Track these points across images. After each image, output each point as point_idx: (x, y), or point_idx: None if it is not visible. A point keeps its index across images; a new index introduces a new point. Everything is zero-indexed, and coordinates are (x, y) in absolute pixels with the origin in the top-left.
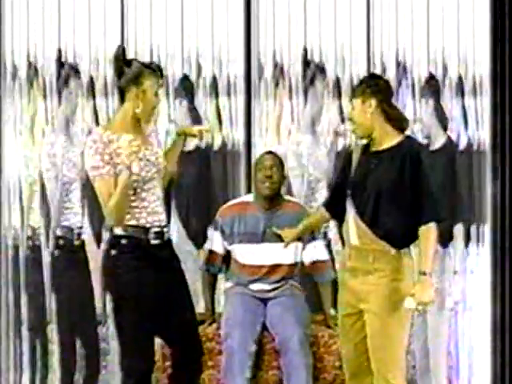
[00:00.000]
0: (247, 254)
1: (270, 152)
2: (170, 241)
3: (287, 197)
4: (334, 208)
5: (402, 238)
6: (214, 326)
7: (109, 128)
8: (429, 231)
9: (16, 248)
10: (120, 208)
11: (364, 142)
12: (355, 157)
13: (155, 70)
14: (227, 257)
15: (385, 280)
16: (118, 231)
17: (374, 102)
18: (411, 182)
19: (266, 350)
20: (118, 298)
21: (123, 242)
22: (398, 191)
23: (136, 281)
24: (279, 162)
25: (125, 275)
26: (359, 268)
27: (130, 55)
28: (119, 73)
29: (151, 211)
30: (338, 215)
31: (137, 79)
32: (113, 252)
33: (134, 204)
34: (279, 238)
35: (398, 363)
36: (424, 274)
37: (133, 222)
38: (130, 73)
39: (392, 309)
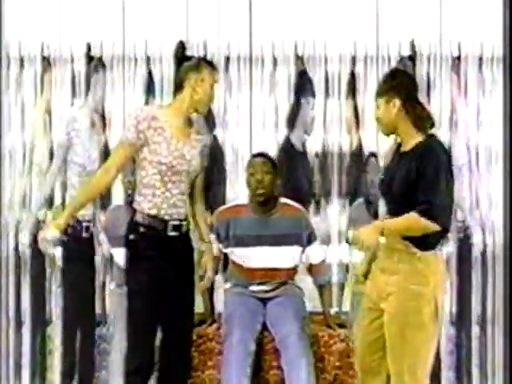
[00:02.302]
0: (244, 256)
1: (260, 154)
2: (187, 233)
3: (284, 199)
4: None
5: (424, 239)
6: (214, 326)
7: (160, 109)
8: (416, 216)
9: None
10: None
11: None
12: (388, 158)
13: (211, 64)
14: (224, 258)
15: (407, 283)
16: (139, 218)
17: (398, 101)
18: (418, 181)
19: (266, 350)
20: (130, 283)
21: (142, 229)
22: (412, 193)
23: (149, 268)
24: (271, 164)
25: (139, 261)
26: (386, 267)
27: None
28: (179, 66)
29: (172, 204)
30: None
31: (196, 67)
32: (131, 236)
33: (157, 192)
34: (276, 242)
35: (420, 369)
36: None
37: (153, 212)
38: (190, 63)
39: (413, 313)
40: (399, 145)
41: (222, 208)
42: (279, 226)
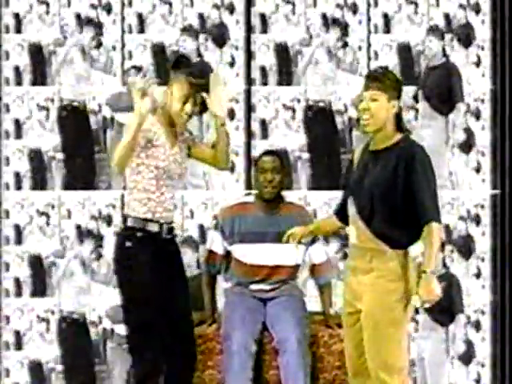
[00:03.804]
0: (248, 253)
1: (270, 152)
2: (175, 236)
3: (289, 198)
4: (345, 214)
5: (398, 238)
6: (214, 326)
7: (155, 116)
8: (429, 230)
9: None
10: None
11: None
12: (356, 157)
13: (191, 76)
14: (227, 257)
15: (380, 280)
16: (134, 223)
17: (397, 104)
18: (405, 182)
19: (266, 350)
20: (132, 291)
21: (139, 234)
22: (392, 191)
23: (151, 274)
24: (281, 163)
25: (140, 268)
26: (358, 267)
27: None
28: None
29: (166, 208)
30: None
31: (169, 80)
32: (127, 244)
33: (152, 196)
34: (280, 239)
35: (394, 364)
36: (425, 272)
37: (149, 216)
38: (171, 75)
39: (386, 309)
40: (367, 145)
41: (227, 205)
42: (283, 224)
